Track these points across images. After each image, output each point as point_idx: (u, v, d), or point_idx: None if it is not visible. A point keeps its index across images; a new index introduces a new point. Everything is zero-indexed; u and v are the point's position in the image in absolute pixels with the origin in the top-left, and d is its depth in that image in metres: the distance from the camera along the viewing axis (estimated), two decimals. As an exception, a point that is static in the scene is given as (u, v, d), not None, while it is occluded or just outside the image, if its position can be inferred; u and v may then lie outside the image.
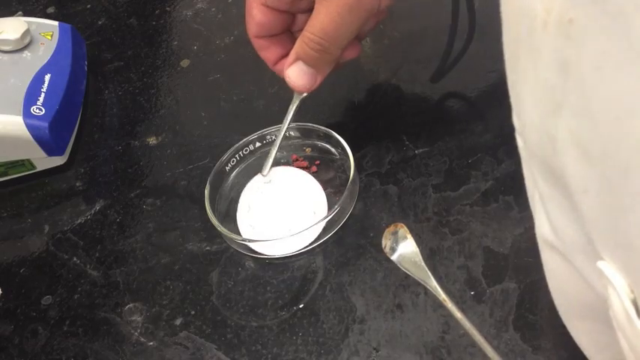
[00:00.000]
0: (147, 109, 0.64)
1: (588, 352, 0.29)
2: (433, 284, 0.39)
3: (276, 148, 0.53)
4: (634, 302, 0.20)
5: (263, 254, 0.50)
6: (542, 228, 0.25)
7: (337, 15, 0.43)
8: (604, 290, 0.20)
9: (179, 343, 0.47)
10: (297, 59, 0.47)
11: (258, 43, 0.50)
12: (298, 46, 0.47)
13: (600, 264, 0.20)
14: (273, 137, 0.57)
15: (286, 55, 0.49)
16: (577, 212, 0.21)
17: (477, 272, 0.46)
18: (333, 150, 0.56)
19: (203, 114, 0.62)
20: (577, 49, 0.17)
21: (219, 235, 0.51)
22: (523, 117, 0.23)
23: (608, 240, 0.20)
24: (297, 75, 0.48)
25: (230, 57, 0.67)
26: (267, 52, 0.50)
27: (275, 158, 0.53)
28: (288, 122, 0.52)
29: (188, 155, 0.59)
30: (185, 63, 0.68)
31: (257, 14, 0.48)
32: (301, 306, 0.47)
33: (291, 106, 0.52)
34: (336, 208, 0.49)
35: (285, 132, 0.57)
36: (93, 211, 0.57)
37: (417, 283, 0.42)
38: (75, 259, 0.54)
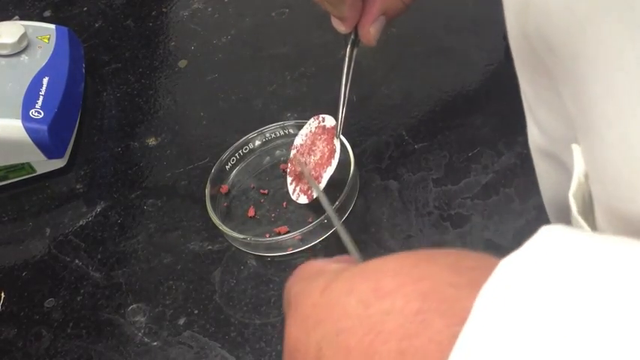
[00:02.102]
0: (146, 110, 0.64)
1: None
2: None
3: (342, 109, 0.52)
4: (579, 191, 0.21)
5: (265, 252, 0.50)
6: (534, 135, 0.26)
7: None
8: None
9: (183, 342, 0.47)
10: (382, 14, 0.48)
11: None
12: (386, 2, 0.47)
13: (573, 146, 0.22)
14: (273, 135, 0.57)
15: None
16: (559, 100, 0.22)
17: (480, 265, 0.46)
18: (332, 147, 0.55)
19: (202, 114, 0.62)
20: None
21: (221, 234, 0.51)
22: (508, 25, 0.24)
23: (578, 122, 0.21)
24: (378, 30, 0.48)
25: (228, 56, 0.67)
26: (351, 9, 0.48)
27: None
28: (349, 78, 0.51)
29: (188, 155, 0.59)
30: (183, 63, 0.68)
31: None
32: (304, 303, 0.47)
33: (348, 62, 0.51)
34: (337, 205, 0.49)
35: (285, 130, 0.57)
36: (94, 213, 0.57)
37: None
38: (77, 261, 0.54)
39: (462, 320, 0.16)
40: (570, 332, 0.14)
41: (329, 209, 0.46)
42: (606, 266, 0.15)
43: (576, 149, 0.22)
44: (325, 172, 0.51)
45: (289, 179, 0.53)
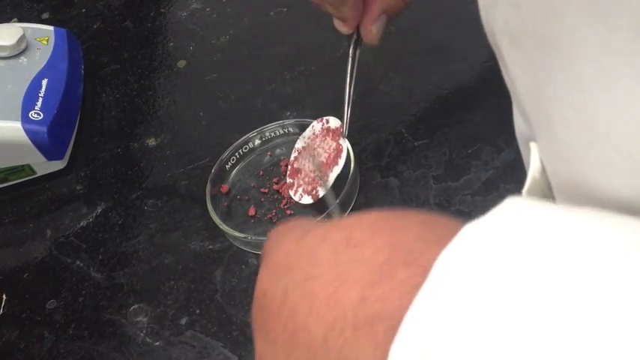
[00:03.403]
0: (145, 111, 0.64)
1: None
2: None
3: (347, 109, 0.52)
4: (537, 188, 0.22)
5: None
6: (518, 124, 0.27)
7: None
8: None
9: (185, 342, 0.47)
10: (382, 13, 0.48)
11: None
12: (387, 1, 0.48)
13: (531, 143, 0.23)
14: (273, 134, 0.57)
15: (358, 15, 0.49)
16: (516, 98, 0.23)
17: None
18: (332, 145, 0.55)
19: (201, 114, 0.62)
20: None
21: (222, 233, 0.51)
22: (483, 21, 0.24)
23: (535, 120, 0.22)
24: (380, 29, 0.49)
25: (226, 56, 0.67)
26: (352, 10, 0.49)
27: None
28: (353, 78, 0.52)
29: (188, 155, 0.59)
30: (182, 64, 0.68)
31: None
32: (306, 301, 0.47)
33: (352, 62, 0.51)
34: (338, 202, 0.49)
35: (285, 129, 0.57)
36: (94, 214, 0.57)
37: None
38: (78, 262, 0.54)
39: (425, 272, 0.17)
40: (520, 291, 0.15)
41: (334, 205, 0.46)
42: (561, 233, 0.16)
43: (533, 146, 0.22)
44: (332, 171, 0.51)
45: (289, 181, 0.53)
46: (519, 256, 0.16)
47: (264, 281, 0.23)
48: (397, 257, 0.19)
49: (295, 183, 0.53)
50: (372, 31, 0.49)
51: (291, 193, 0.52)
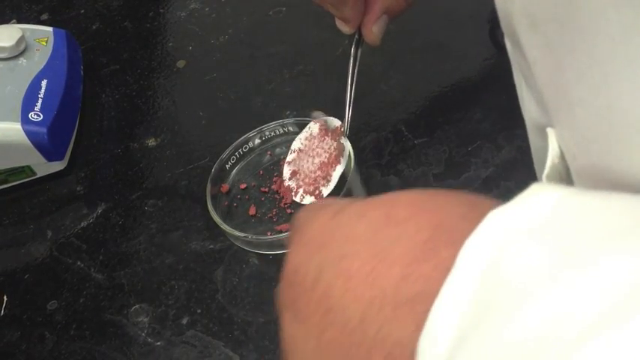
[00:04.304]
0: (145, 111, 0.64)
1: None
2: None
3: (349, 108, 0.52)
4: (555, 173, 0.22)
5: (267, 250, 0.50)
6: (532, 113, 0.26)
7: None
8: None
9: (186, 342, 0.47)
10: (384, 14, 0.48)
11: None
12: (388, 1, 0.48)
13: (548, 129, 0.22)
14: (273, 133, 0.57)
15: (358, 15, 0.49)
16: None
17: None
18: (332, 144, 0.55)
19: (201, 113, 0.62)
20: None
21: (222, 233, 0.51)
22: (496, 5, 0.24)
23: (553, 104, 0.21)
24: (381, 30, 0.49)
25: (226, 56, 0.67)
26: (353, 10, 0.49)
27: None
28: (354, 78, 0.52)
29: (188, 155, 0.59)
30: (181, 64, 0.68)
31: None
32: (307, 300, 0.47)
33: (353, 62, 0.51)
34: (343, 197, 0.49)
35: (284, 128, 0.57)
36: (95, 215, 0.57)
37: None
38: (79, 263, 0.54)
39: None
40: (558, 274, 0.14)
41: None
42: (589, 218, 0.16)
43: (550, 132, 0.22)
44: (334, 170, 0.51)
45: (290, 183, 0.53)
46: (549, 240, 0.15)
47: (296, 257, 0.22)
48: (440, 236, 0.19)
49: (295, 184, 0.52)
50: (374, 31, 0.49)
51: (292, 194, 0.52)
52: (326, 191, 0.50)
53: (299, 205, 0.52)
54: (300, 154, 0.53)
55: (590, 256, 0.14)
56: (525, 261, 0.15)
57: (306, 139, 0.54)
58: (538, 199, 0.17)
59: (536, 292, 0.14)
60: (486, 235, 0.16)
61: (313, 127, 0.54)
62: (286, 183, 0.53)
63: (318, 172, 0.51)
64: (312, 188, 0.51)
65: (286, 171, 0.53)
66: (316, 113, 0.54)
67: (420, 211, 0.20)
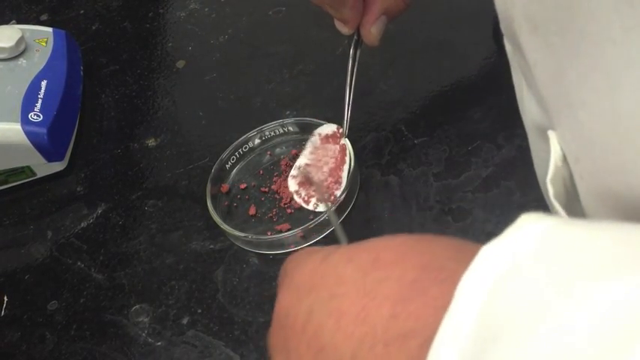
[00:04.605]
0: (144, 112, 0.64)
1: None
2: None
3: (348, 109, 0.52)
4: (558, 176, 0.22)
5: (267, 250, 0.50)
6: (532, 114, 0.26)
7: None
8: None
9: (187, 342, 0.47)
10: (382, 14, 0.49)
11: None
12: (387, 0, 0.48)
13: (549, 132, 0.22)
14: (273, 133, 0.57)
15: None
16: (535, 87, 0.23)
17: (482, 258, 0.46)
18: (332, 143, 0.55)
19: (201, 113, 0.62)
20: None
21: (223, 233, 0.51)
22: (497, 8, 0.24)
23: (555, 107, 0.21)
24: (380, 31, 0.49)
25: (225, 56, 0.67)
26: (352, 11, 0.49)
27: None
28: (353, 78, 0.52)
29: (188, 155, 0.59)
30: (181, 64, 0.68)
31: None
32: (307, 300, 0.47)
33: (352, 62, 0.52)
34: (339, 201, 0.49)
35: (284, 127, 0.57)
36: (95, 215, 0.57)
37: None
38: (79, 263, 0.54)
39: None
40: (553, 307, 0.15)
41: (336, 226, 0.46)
42: (578, 254, 0.16)
43: (552, 135, 0.22)
44: (343, 171, 0.51)
45: (298, 196, 0.52)
46: (540, 275, 0.16)
47: (286, 300, 0.23)
48: (428, 276, 0.19)
49: (306, 195, 0.52)
50: (372, 32, 0.49)
51: (304, 204, 0.52)
52: (339, 193, 0.50)
53: (299, 204, 0.52)
54: (309, 167, 0.53)
55: (582, 288, 0.15)
56: (519, 297, 0.15)
57: (311, 153, 0.54)
58: (526, 233, 0.17)
59: (532, 327, 0.14)
60: (480, 273, 0.16)
61: (314, 140, 0.54)
62: (296, 198, 0.52)
63: (330, 179, 0.52)
64: (327, 195, 0.51)
65: (292, 185, 0.53)
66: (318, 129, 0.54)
67: (407, 254, 0.20)
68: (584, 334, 0.14)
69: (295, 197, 0.52)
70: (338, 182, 0.51)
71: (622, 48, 0.17)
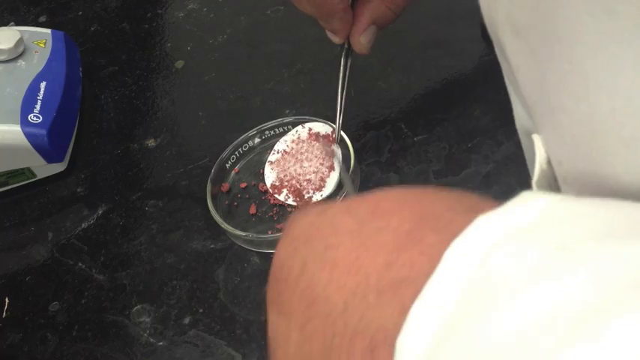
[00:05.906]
0: (144, 112, 0.64)
1: None
2: None
3: (339, 116, 0.52)
4: (544, 179, 0.22)
5: (268, 249, 0.50)
6: (519, 117, 0.26)
7: None
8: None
9: (189, 341, 0.47)
10: (372, 24, 0.49)
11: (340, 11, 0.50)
12: (376, 10, 0.48)
13: (533, 135, 0.22)
14: (272, 132, 0.57)
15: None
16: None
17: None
18: (332, 142, 0.55)
19: (200, 113, 0.62)
20: None
21: (223, 232, 0.51)
22: (483, 13, 0.24)
23: (537, 111, 0.21)
24: (369, 40, 0.50)
25: (224, 55, 0.67)
26: (341, 22, 0.50)
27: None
28: (345, 85, 0.52)
29: (188, 155, 0.59)
30: (180, 64, 0.68)
31: None
32: (309, 298, 0.47)
33: (343, 71, 0.52)
34: (338, 200, 0.49)
35: (284, 127, 0.57)
36: (95, 216, 0.57)
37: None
38: (80, 264, 0.54)
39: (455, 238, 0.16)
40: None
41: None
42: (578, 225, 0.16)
43: (536, 138, 0.22)
44: (329, 177, 0.51)
45: (273, 182, 0.53)
46: (536, 241, 0.16)
47: (282, 253, 0.22)
48: (425, 225, 0.19)
49: (279, 184, 0.52)
50: (361, 41, 0.50)
51: (277, 195, 0.52)
52: (317, 197, 0.50)
53: (285, 205, 0.52)
54: (286, 155, 0.53)
55: (578, 256, 0.14)
56: (512, 262, 0.15)
57: (293, 141, 0.54)
58: (527, 205, 0.17)
59: (520, 291, 0.14)
60: (474, 238, 0.16)
61: (301, 131, 0.54)
62: (268, 182, 0.52)
63: (309, 177, 0.51)
64: (299, 192, 0.51)
65: (268, 170, 0.53)
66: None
67: (405, 204, 0.20)
68: (575, 299, 0.13)
69: (271, 190, 0.52)
70: (318, 186, 0.51)
71: (597, 52, 0.17)
